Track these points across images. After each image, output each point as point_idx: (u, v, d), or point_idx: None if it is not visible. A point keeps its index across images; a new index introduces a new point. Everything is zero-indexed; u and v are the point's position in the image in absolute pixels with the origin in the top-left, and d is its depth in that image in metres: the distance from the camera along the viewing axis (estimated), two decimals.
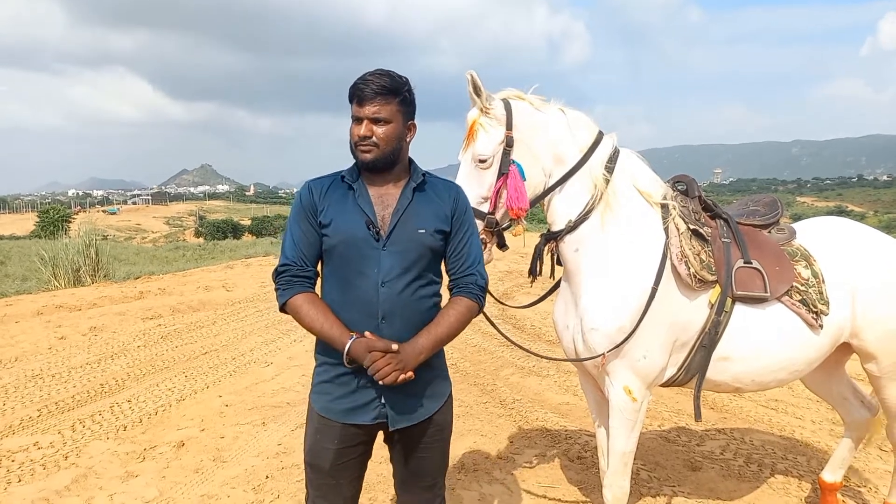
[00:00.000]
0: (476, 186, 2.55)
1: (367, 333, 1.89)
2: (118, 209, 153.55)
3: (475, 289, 2.04)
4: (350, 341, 1.87)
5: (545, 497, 3.60)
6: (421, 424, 2.06)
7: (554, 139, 2.63)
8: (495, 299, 2.79)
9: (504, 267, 12.48)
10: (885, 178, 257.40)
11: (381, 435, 2.13)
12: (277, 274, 2.00)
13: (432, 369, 2.06)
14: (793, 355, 2.74)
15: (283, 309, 2.00)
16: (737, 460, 4.11)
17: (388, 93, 1.92)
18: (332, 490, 2.07)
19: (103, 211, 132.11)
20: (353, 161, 2.03)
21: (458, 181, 2.54)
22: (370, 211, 1.96)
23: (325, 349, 2.00)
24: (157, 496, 3.61)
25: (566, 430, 4.56)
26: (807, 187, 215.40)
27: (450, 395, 2.16)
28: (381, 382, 1.86)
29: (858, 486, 3.76)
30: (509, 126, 2.54)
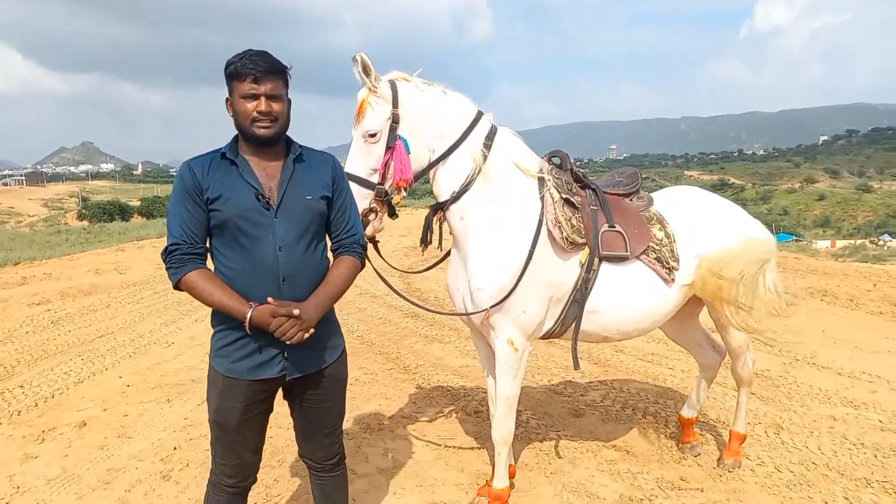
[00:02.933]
0: (366, 159, 2.77)
1: (269, 299, 2.05)
2: None
3: (357, 248, 2.28)
4: (250, 310, 2.03)
5: (444, 447, 3.91)
6: (317, 376, 2.27)
7: (436, 117, 2.88)
8: (390, 265, 3.03)
9: (409, 243, 12.74)
10: (761, 152, 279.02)
11: (281, 393, 2.31)
12: (168, 253, 2.10)
13: (329, 323, 2.27)
14: (652, 306, 3.17)
15: (177, 286, 2.11)
16: (614, 406, 4.60)
17: (278, 71, 2.08)
18: (239, 444, 2.25)
19: None
20: (232, 138, 2.15)
21: (350, 155, 2.79)
22: (257, 183, 2.11)
23: (222, 316, 2.13)
24: (60, 473, 3.62)
25: (465, 389, 4.91)
26: (693, 161, 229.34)
27: (344, 349, 2.38)
28: (288, 343, 2.04)
29: (713, 422, 4.34)
30: (395, 104, 2.76)
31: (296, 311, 2.05)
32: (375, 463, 3.71)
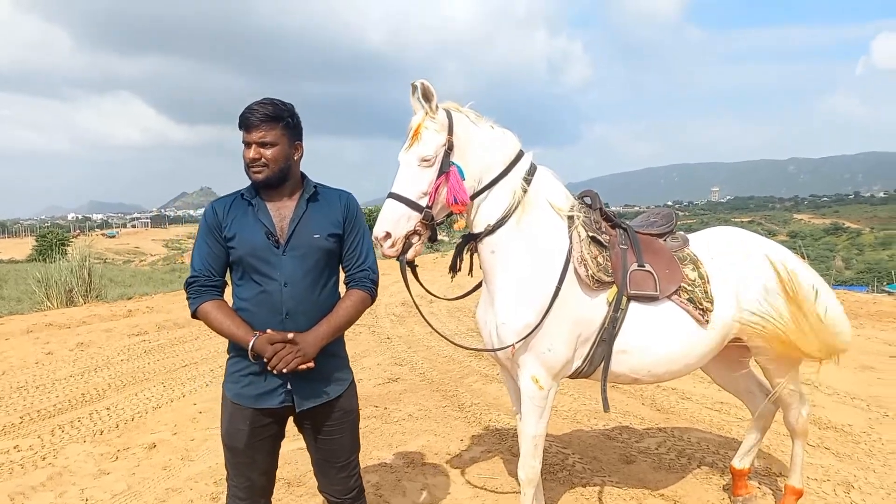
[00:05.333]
0: (417, 182, 2.81)
1: (268, 330, 2.20)
2: (117, 232, 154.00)
3: (367, 282, 2.38)
4: (253, 339, 2.18)
5: (483, 488, 3.90)
6: (325, 408, 2.37)
7: (485, 150, 2.96)
8: (426, 290, 3.10)
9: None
10: (881, 194, 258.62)
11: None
12: (188, 285, 2.31)
13: (334, 357, 2.38)
14: (684, 348, 3.08)
15: (194, 315, 2.31)
16: (669, 454, 4.41)
17: (271, 119, 2.23)
18: (247, 466, 2.38)
19: (102, 234, 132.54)
20: (250, 181, 2.33)
21: (399, 177, 2.81)
22: (269, 222, 2.29)
23: (235, 345, 2.31)
24: (125, 490, 3.92)
25: (514, 430, 4.85)
26: (804, 204, 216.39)
27: (352, 382, 2.48)
28: (284, 370, 2.15)
29: (774, 474, 4.06)
30: (450, 132, 2.85)
31: (289, 336, 2.17)
32: (412, 497, 3.75)
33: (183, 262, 56.03)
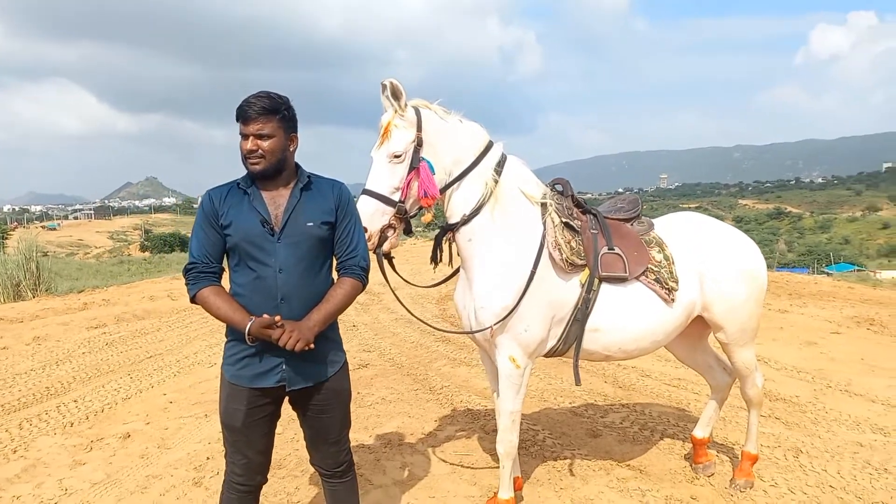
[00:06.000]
0: (389, 178, 2.95)
1: (265, 315, 2.28)
2: (58, 224, 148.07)
3: (359, 270, 2.48)
4: (249, 323, 2.27)
5: (460, 464, 4.05)
6: (318, 387, 2.48)
7: (453, 143, 3.09)
8: (403, 279, 3.25)
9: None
10: (820, 180, 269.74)
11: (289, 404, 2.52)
12: (186, 271, 2.39)
13: (328, 340, 2.48)
14: (652, 326, 3.28)
15: (193, 300, 2.39)
16: (633, 428, 4.65)
17: (268, 112, 2.31)
18: (245, 444, 2.48)
19: (42, 226, 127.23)
20: (246, 171, 2.40)
21: (372, 174, 2.96)
22: (264, 211, 2.37)
23: (232, 329, 2.39)
24: (104, 478, 3.92)
25: (486, 409, 5.04)
26: (748, 190, 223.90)
27: (345, 363, 2.59)
28: (287, 348, 2.24)
29: (731, 443, 4.34)
30: (419, 128, 2.97)
31: (277, 318, 2.25)
32: (392, 475, 3.88)
33: (130, 255, 54.47)
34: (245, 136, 2.32)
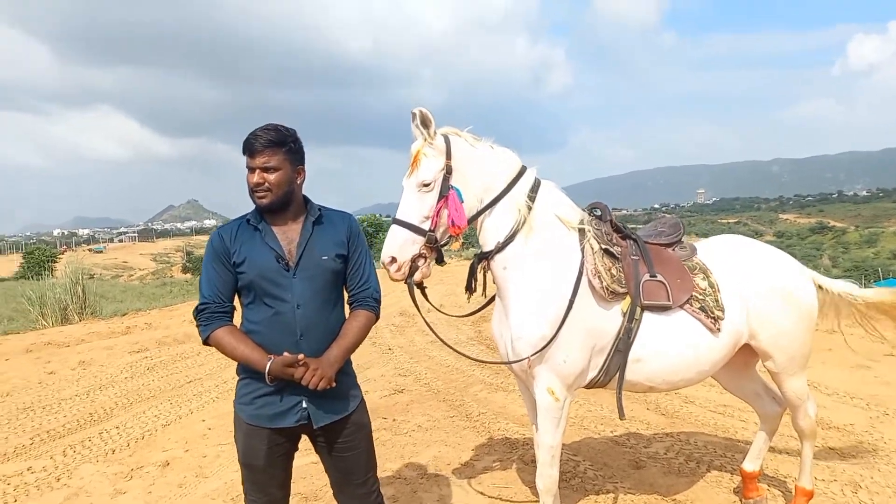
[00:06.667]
0: (419, 207, 2.92)
1: (285, 353, 2.24)
2: (104, 247, 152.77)
3: (372, 301, 2.45)
4: (269, 363, 2.22)
5: (498, 498, 3.96)
6: (340, 424, 2.42)
7: (484, 170, 3.05)
8: (436, 308, 3.19)
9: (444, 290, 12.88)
10: (864, 193, 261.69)
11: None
12: (198, 312, 2.34)
13: (345, 375, 2.43)
14: (697, 356, 3.16)
15: (206, 342, 2.34)
16: (678, 459, 4.49)
17: (274, 145, 2.28)
18: (267, 482, 2.43)
19: (89, 250, 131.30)
20: (254, 205, 2.37)
21: (402, 203, 2.93)
22: (277, 246, 2.34)
23: (246, 367, 2.33)
24: None
25: (525, 438, 4.93)
26: (789, 204, 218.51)
27: (362, 399, 2.54)
28: (310, 387, 2.21)
29: (782, 476, 4.15)
30: (448, 156, 2.95)
31: (300, 357, 2.21)
32: None
33: (172, 277, 55.82)
34: (251, 170, 2.30)
